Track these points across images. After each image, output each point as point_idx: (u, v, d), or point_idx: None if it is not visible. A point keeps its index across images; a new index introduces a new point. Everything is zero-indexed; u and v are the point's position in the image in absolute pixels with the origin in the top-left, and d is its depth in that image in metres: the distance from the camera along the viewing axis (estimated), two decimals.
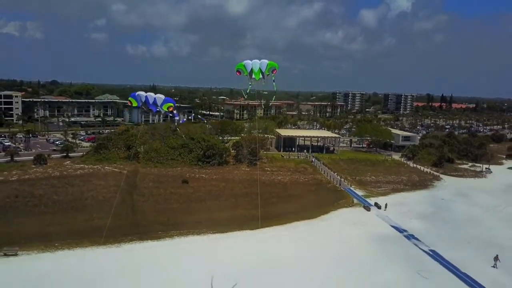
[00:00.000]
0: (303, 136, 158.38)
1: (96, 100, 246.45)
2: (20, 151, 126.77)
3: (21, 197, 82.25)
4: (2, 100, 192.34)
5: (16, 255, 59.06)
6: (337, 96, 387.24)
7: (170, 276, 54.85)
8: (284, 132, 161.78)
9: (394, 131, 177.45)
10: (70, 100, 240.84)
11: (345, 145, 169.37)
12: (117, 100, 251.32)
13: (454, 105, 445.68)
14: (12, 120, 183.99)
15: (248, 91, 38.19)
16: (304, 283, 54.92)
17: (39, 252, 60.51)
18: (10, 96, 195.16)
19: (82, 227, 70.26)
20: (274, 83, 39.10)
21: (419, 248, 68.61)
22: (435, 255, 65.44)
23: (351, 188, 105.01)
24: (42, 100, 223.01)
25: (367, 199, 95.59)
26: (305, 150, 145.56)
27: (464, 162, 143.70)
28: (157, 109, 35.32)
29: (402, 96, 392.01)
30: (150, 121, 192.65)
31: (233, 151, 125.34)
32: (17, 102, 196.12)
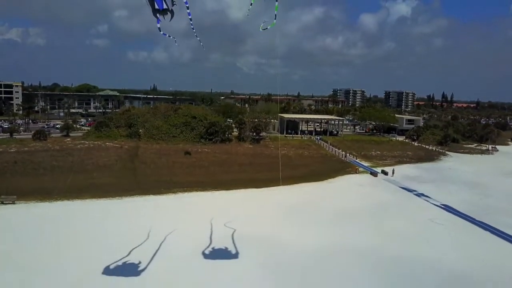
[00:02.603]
0: (306, 119, 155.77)
1: (97, 94, 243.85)
2: (20, 132, 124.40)
3: (19, 162, 79.81)
4: (2, 89, 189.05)
5: (13, 203, 56.62)
6: (338, 93, 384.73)
7: (172, 219, 52.60)
8: (287, 115, 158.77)
9: (398, 115, 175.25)
10: (71, 93, 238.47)
11: (348, 130, 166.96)
12: (118, 94, 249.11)
13: (455, 105, 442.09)
14: (12, 110, 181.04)
15: (248, 11, 35.52)
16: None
17: (37, 202, 58.07)
18: (10, 86, 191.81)
19: (82, 184, 67.79)
20: (276, 3, 36.04)
21: (431, 203, 66.12)
22: (448, 208, 62.97)
23: (357, 160, 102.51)
24: (43, 92, 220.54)
25: (373, 169, 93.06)
26: (306, 131, 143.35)
27: (469, 143, 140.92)
28: (164, 6, 32.26)
29: (403, 94, 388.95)
30: None
31: (235, 130, 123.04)
32: (17, 92, 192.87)
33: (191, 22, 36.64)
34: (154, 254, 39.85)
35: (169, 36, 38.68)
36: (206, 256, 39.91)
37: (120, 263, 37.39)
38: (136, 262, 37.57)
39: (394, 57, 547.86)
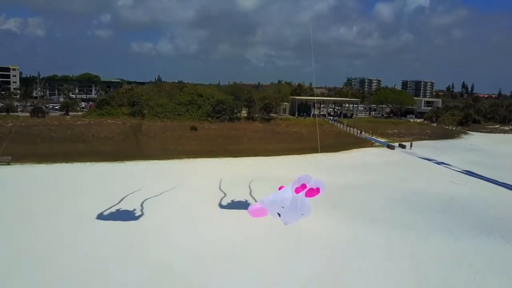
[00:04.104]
0: (320, 100, 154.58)
1: (99, 80, 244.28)
2: (18, 112, 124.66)
3: (16, 133, 79.73)
4: None
5: (8, 164, 56.35)
6: (353, 83, 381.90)
7: (179, 177, 52.29)
8: (299, 97, 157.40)
9: (416, 98, 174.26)
10: (72, 80, 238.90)
11: (363, 114, 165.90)
12: (120, 81, 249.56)
13: (475, 95, 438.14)
14: (10, 93, 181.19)
15: None
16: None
17: (33, 164, 57.80)
18: (8, 69, 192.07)
19: (82, 151, 67.53)
20: None
21: (452, 169, 65.20)
22: (470, 173, 62.09)
23: (373, 137, 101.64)
24: (42, 77, 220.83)
25: (390, 143, 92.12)
26: (319, 114, 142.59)
27: (491, 124, 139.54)
28: None
29: (422, 83, 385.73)
30: None
31: (244, 112, 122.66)
32: (15, 76, 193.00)
33: None
34: (146, 200, 39.69)
35: None
36: (222, 206, 39.76)
37: (114, 210, 37.71)
38: (131, 209, 37.76)
39: (411, 48, 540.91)
